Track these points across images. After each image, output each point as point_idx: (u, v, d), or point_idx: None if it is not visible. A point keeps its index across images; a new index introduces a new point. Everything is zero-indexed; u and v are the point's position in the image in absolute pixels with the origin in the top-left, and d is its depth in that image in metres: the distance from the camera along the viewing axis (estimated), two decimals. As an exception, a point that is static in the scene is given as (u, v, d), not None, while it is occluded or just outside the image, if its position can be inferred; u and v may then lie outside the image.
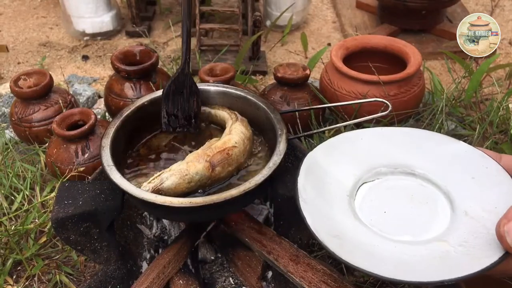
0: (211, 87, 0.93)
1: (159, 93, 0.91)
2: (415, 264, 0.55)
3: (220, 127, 0.89)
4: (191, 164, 0.72)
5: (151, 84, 1.21)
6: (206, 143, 0.79)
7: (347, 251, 0.56)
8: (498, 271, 0.53)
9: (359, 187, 0.71)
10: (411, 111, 1.22)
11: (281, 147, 0.76)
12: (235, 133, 0.79)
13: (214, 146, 0.75)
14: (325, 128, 0.84)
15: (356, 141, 0.76)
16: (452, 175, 0.68)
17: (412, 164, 0.72)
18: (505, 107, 1.28)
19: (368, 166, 0.73)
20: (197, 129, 0.88)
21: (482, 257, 0.53)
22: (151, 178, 0.72)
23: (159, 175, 0.72)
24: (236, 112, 0.86)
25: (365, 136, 0.77)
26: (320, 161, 0.72)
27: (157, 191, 0.70)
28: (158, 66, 1.27)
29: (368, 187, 0.71)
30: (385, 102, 0.83)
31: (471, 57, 1.57)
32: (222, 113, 0.87)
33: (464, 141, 0.70)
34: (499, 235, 0.51)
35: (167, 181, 0.70)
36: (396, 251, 0.58)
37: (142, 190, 0.70)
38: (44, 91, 1.20)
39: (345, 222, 0.63)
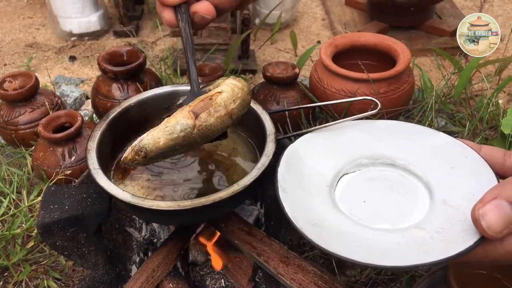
0: (199, 88, 0.91)
1: (146, 94, 0.90)
2: (391, 250, 0.56)
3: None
4: (172, 117, 0.65)
5: (139, 85, 1.20)
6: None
7: (325, 239, 0.56)
8: (477, 257, 0.54)
9: (339, 178, 0.72)
10: (401, 109, 1.22)
11: (270, 147, 0.75)
12: (224, 84, 0.71)
13: (197, 99, 0.68)
14: (314, 128, 0.83)
15: (338, 133, 0.77)
16: (432, 166, 0.69)
17: (392, 155, 0.73)
18: (494, 103, 1.28)
19: (349, 157, 0.74)
20: None
21: (458, 242, 0.53)
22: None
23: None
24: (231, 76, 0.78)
25: (346, 128, 0.78)
26: (301, 153, 0.73)
27: (138, 151, 0.62)
28: (146, 66, 1.26)
29: (349, 178, 0.72)
30: (374, 101, 0.82)
31: (460, 53, 1.58)
32: (217, 81, 0.77)
33: (454, 137, 0.71)
34: (474, 219, 0.52)
35: (147, 137, 0.63)
36: (373, 238, 0.59)
37: (129, 194, 0.69)
38: (30, 93, 1.18)
39: (325, 211, 0.64)
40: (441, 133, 0.72)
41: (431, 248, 0.55)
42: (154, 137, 0.63)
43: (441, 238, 0.56)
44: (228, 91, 0.68)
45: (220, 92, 0.67)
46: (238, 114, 0.70)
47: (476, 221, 0.52)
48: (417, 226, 0.60)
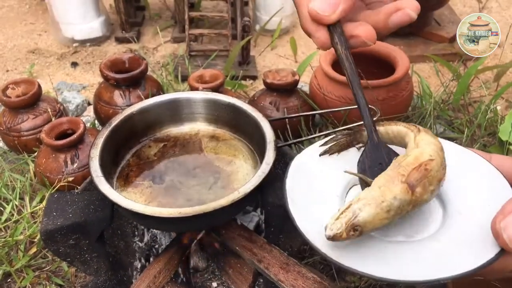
0: (199, 95, 0.93)
1: (148, 102, 0.91)
2: (409, 264, 0.55)
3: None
4: (385, 189, 0.57)
5: (140, 92, 1.21)
6: (393, 162, 0.62)
7: (338, 252, 0.55)
8: (495, 269, 0.52)
9: (349, 189, 0.69)
10: (400, 115, 1.23)
11: (270, 155, 0.76)
12: (425, 144, 0.62)
13: (405, 163, 0.59)
14: (314, 135, 0.84)
15: None
16: None
17: None
18: (493, 109, 1.29)
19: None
20: None
21: (477, 255, 0.52)
22: (338, 214, 0.56)
23: (347, 208, 0.56)
24: (414, 124, 0.68)
25: None
26: (309, 163, 0.71)
27: (352, 226, 0.54)
28: (148, 73, 1.27)
29: (359, 189, 0.68)
30: (373, 108, 0.83)
31: (459, 59, 1.59)
32: (398, 128, 0.69)
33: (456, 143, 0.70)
34: (495, 232, 0.50)
35: (362, 213, 0.55)
36: (388, 251, 0.57)
37: (131, 201, 0.70)
38: (32, 100, 1.19)
39: None
40: (450, 142, 0.70)
41: (449, 261, 0.54)
42: (371, 215, 0.55)
43: (459, 250, 0.55)
44: (436, 156, 0.60)
45: (432, 160, 0.59)
46: (442, 181, 0.62)
47: (497, 234, 0.50)
48: (433, 238, 0.58)
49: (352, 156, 0.72)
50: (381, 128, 0.69)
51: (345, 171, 0.66)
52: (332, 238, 0.53)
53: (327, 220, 0.58)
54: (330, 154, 0.71)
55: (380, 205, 0.55)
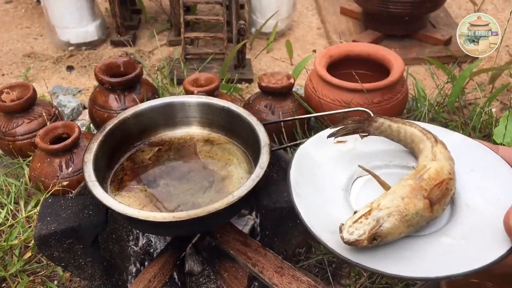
0: (194, 99, 0.93)
1: (142, 106, 0.91)
2: (419, 259, 0.53)
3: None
4: (409, 202, 0.55)
5: (135, 96, 1.21)
6: (414, 171, 0.61)
7: (346, 248, 0.53)
8: (507, 264, 0.52)
9: (353, 181, 0.68)
10: (395, 118, 1.23)
11: (264, 159, 0.76)
12: (443, 158, 0.61)
13: (428, 177, 0.58)
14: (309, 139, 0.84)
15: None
16: None
17: (407, 156, 0.69)
18: (487, 111, 1.29)
19: (362, 159, 0.69)
20: None
21: (488, 250, 0.51)
22: (357, 217, 0.54)
23: (368, 213, 0.54)
24: (430, 132, 0.66)
25: None
26: (313, 154, 0.69)
27: (374, 235, 0.52)
28: (143, 77, 1.27)
29: (363, 181, 0.67)
30: (366, 111, 0.84)
31: (454, 62, 1.59)
32: (412, 131, 0.66)
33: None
34: (508, 228, 0.50)
35: (386, 223, 0.53)
36: (397, 246, 0.55)
37: (125, 206, 0.70)
38: (27, 104, 1.19)
39: (342, 217, 0.58)
40: (456, 133, 0.69)
41: (461, 256, 0.52)
42: (394, 227, 0.54)
43: (470, 245, 0.54)
44: (453, 175, 0.61)
45: (451, 179, 0.59)
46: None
47: (510, 231, 0.50)
48: (442, 232, 0.57)
49: (356, 148, 0.71)
50: (394, 125, 0.68)
51: (359, 166, 0.67)
52: (351, 243, 0.52)
53: (336, 218, 0.56)
54: (336, 137, 0.70)
55: (403, 218, 0.54)
